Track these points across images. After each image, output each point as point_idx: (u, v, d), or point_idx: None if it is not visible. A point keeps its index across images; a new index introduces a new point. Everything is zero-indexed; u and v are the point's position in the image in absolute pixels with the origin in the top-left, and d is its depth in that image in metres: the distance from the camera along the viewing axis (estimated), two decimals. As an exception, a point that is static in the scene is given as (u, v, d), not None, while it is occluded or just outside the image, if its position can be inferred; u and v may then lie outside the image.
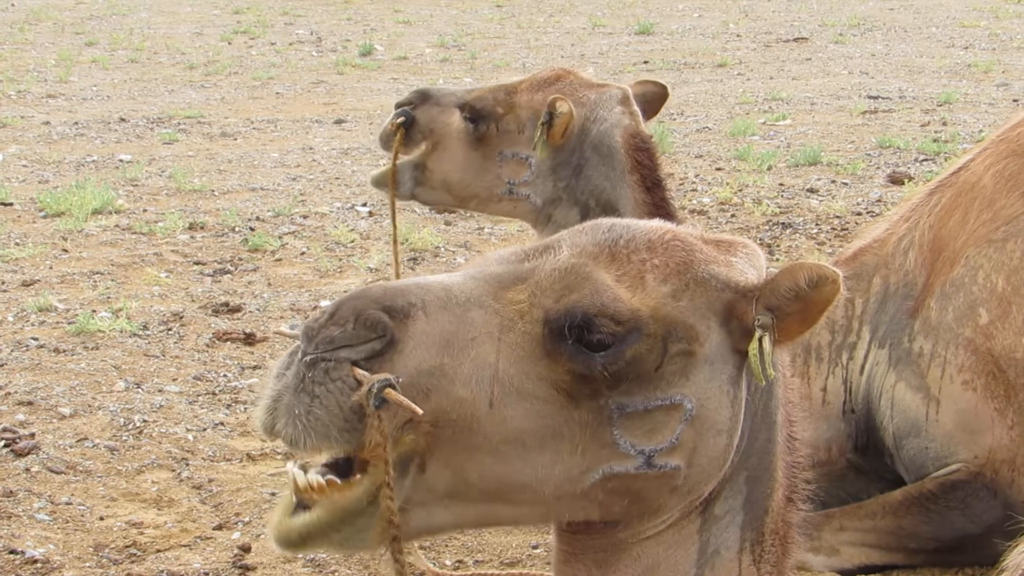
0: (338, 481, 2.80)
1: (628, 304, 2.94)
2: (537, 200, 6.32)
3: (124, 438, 7.47)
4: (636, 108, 6.44)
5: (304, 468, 2.85)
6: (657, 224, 3.14)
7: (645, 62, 16.97)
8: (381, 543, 2.87)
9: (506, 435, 2.93)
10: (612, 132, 6.34)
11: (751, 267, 3.07)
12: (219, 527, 6.53)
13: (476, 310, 2.94)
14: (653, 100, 6.58)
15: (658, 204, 6.29)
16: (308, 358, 2.79)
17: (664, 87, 6.68)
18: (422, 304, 2.90)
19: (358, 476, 2.82)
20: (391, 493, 2.80)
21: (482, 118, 6.38)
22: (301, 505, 2.82)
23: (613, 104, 6.38)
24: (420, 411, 2.75)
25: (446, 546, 6.29)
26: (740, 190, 12.14)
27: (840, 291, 2.96)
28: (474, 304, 2.95)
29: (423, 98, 6.50)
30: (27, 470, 7.09)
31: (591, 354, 2.90)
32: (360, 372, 2.76)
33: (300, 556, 6.22)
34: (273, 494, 6.67)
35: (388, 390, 2.71)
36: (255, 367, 8.33)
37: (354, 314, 2.82)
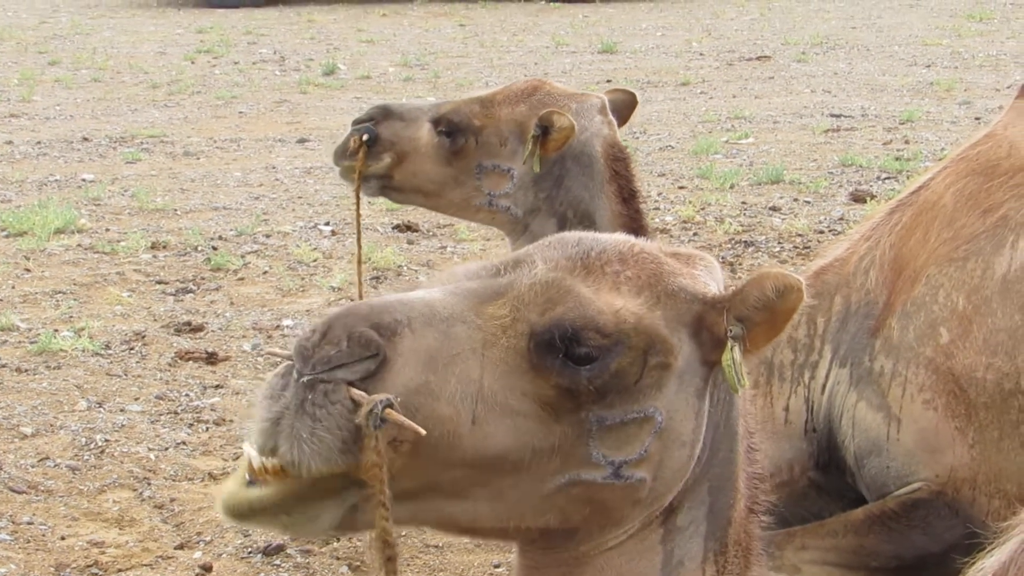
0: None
1: (608, 319, 2.96)
2: (518, 211, 6.35)
3: (86, 458, 7.48)
4: (612, 118, 6.51)
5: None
6: (622, 236, 3.16)
7: (608, 80, 17.00)
8: (327, 533, 2.95)
9: (486, 452, 2.94)
10: (592, 142, 6.38)
11: (712, 280, 3.10)
12: (180, 546, 6.54)
13: (459, 325, 2.95)
14: (623, 108, 6.63)
15: (633, 215, 6.38)
16: (306, 379, 2.77)
17: (633, 94, 6.73)
18: (407, 321, 2.90)
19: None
20: (387, 514, 2.81)
21: (460, 131, 6.39)
22: (252, 483, 2.80)
23: (593, 114, 6.43)
24: (423, 431, 2.76)
25: (409, 566, 6.31)
26: (703, 208, 12.18)
27: (804, 299, 3.01)
28: (457, 320, 2.96)
29: (385, 114, 6.52)
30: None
31: (577, 368, 2.92)
32: (357, 393, 2.75)
33: (251, 572, 6.24)
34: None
35: (388, 410, 2.71)
36: (217, 386, 8.35)
37: (346, 332, 2.82)
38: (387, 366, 2.82)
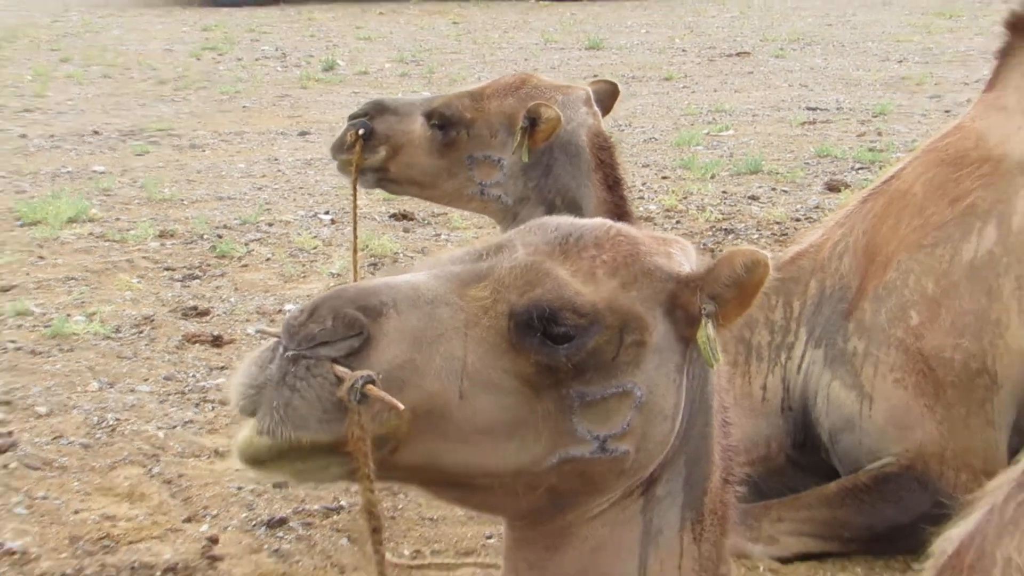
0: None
1: (586, 299, 2.98)
2: (508, 200, 6.38)
3: (98, 436, 7.47)
4: (596, 108, 6.54)
5: None
6: (600, 221, 3.18)
7: (595, 75, 16.95)
8: (336, 481, 2.96)
9: (476, 425, 2.96)
10: (579, 132, 6.41)
11: (686, 261, 3.12)
12: (188, 520, 6.53)
13: (443, 307, 2.97)
14: (606, 98, 6.67)
15: (617, 202, 6.40)
16: (290, 354, 2.82)
17: (615, 84, 6.79)
18: (393, 303, 2.92)
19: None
20: (371, 486, 2.84)
21: (451, 124, 6.43)
22: (263, 431, 2.82)
23: (579, 105, 6.46)
24: (401, 406, 2.77)
25: (405, 537, 6.30)
26: (685, 197, 12.17)
27: (770, 272, 3.03)
28: (440, 301, 2.98)
29: (379, 109, 6.55)
30: (5, 467, 7.07)
31: (555, 346, 2.94)
32: (340, 369, 2.79)
33: (265, 546, 6.24)
34: (240, 488, 6.68)
35: (369, 386, 2.74)
36: (222, 368, 8.34)
37: (332, 313, 2.85)
38: (372, 344, 2.85)
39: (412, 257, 10.11)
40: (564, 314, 2.96)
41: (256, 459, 2.87)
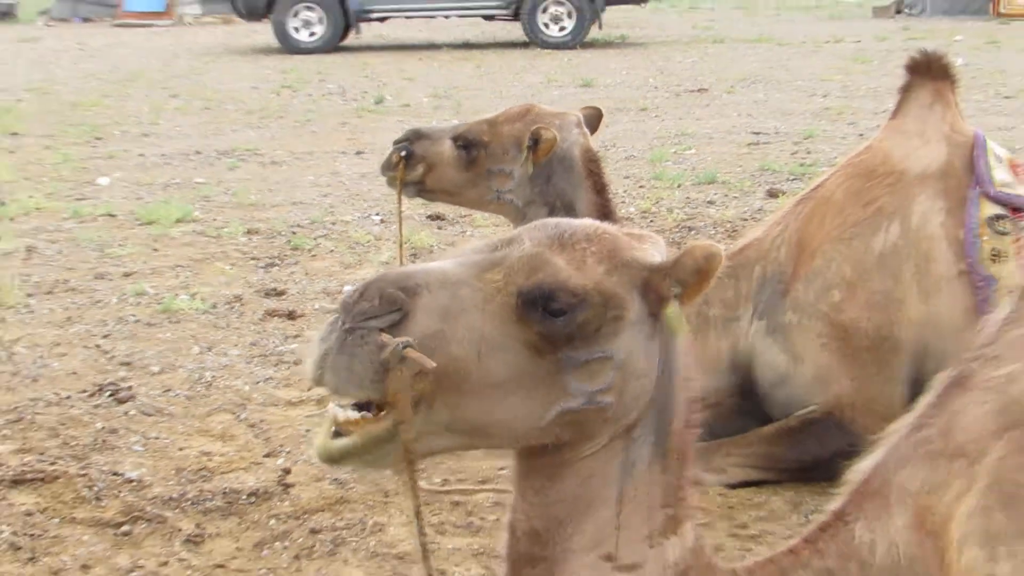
0: (370, 416, 2.89)
1: (577, 282, 3.00)
2: (518, 203, 6.43)
3: (198, 389, 7.49)
4: (586, 130, 6.58)
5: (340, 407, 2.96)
6: (589, 221, 3.20)
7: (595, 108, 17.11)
8: (398, 465, 2.97)
9: (490, 381, 2.99)
10: (572, 149, 6.46)
11: (657, 252, 3.13)
12: (267, 455, 6.55)
13: (465, 288, 3.00)
14: (594, 120, 6.72)
15: (604, 204, 6.45)
16: (346, 326, 2.88)
17: (600, 110, 6.88)
18: (427, 284, 2.97)
19: (383, 413, 2.90)
20: (409, 428, 2.88)
21: (473, 145, 6.50)
22: (338, 434, 2.91)
23: (572, 127, 6.51)
24: (433, 364, 2.84)
25: (435, 469, 6.30)
26: (656, 202, 12.15)
27: (722, 261, 3.06)
28: (463, 283, 3.00)
29: (417, 135, 6.62)
30: (125, 413, 7.11)
31: (553, 319, 2.97)
32: (385, 337, 2.84)
33: (327, 476, 6.24)
34: (308, 431, 6.69)
35: (407, 350, 2.81)
36: (295, 336, 8.37)
37: (378, 293, 2.91)
38: (409, 317, 2.91)
39: (444, 249, 10.13)
40: (560, 294, 2.98)
41: (331, 459, 2.98)
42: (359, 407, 2.94)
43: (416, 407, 2.92)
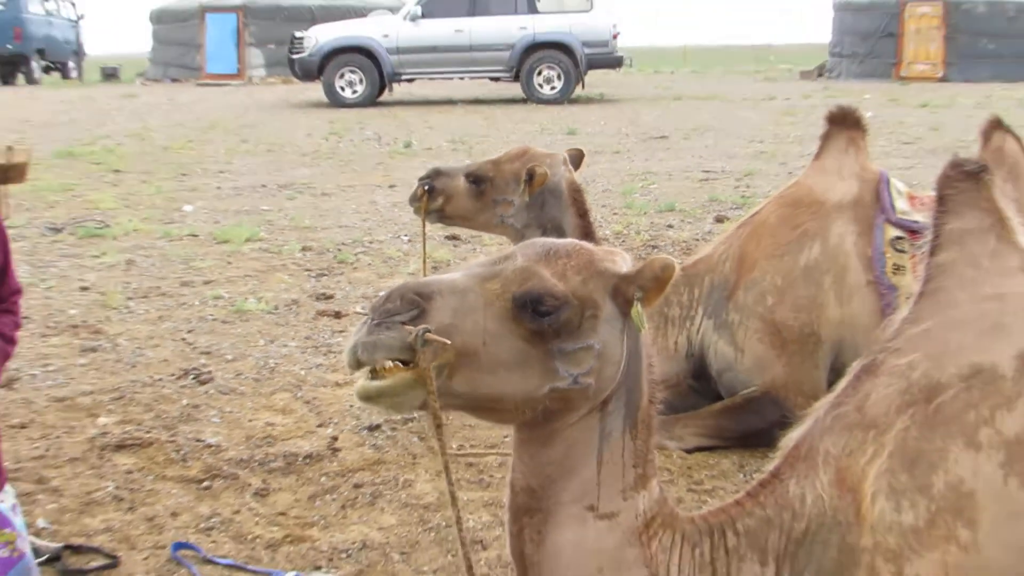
0: (401, 366, 2.90)
1: (560, 289, 3.00)
2: (518, 225, 6.43)
3: (264, 373, 7.49)
4: (571, 167, 6.59)
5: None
6: (570, 240, 3.22)
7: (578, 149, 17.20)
8: (419, 410, 3.02)
9: (494, 363, 3.00)
10: (560, 182, 6.45)
11: (624, 263, 3.14)
12: (319, 425, 6.54)
13: (471, 294, 3.00)
14: (576, 160, 6.70)
15: (586, 226, 6.44)
16: (374, 323, 2.91)
17: (582, 152, 6.87)
18: (439, 291, 2.97)
19: (410, 366, 2.91)
20: (435, 399, 2.91)
21: (481, 180, 6.49)
22: (375, 378, 2.93)
23: (559, 165, 6.51)
24: (449, 342, 2.89)
25: (453, 437, 6.30)
26: (627, 226, 12.15)
27: (676, 271, 3.10)
28: (469, 291, 3.01)
29: (437, 173, 6.62)
30: (206, 392, 7.10)
31: (540, 318, 2.98)
32: (408, 326, 2.88)
33: (367, 442, 6.24)
34: (351, 406, 6.70)
35: (428, 333, 2.86)
36: (341, 331, 8.38)
37: (400, 297, 2.93)
38: (425, 314, 2.94)
39: (458, 262, 10.14)
40: (546, 298, 2.99)
41: (369, 398, 2.97)
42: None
43: (440, 374, 2.94)
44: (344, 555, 5.02)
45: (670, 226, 12.24)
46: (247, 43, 38.12)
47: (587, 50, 27.88)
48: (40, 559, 4.89)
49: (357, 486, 5.74)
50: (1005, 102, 25.89)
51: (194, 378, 7.37)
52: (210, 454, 6.13)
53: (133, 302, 9.36)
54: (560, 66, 27.94)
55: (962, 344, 3.36)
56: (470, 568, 3.31)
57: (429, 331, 2.89)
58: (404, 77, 28.41)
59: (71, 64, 43.77)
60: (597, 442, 3.17)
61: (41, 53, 41.25)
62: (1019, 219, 3.51)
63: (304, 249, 11.38)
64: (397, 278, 9.85)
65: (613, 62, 28.90)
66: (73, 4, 44.55)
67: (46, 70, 41.87)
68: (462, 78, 29.20)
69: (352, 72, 27.94)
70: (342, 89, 27.92)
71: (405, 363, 2.96)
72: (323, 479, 5.85)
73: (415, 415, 6.36)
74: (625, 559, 3.21)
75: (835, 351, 6.19)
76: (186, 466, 6.01)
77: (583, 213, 6.51)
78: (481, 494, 5.62)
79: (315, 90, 29.36)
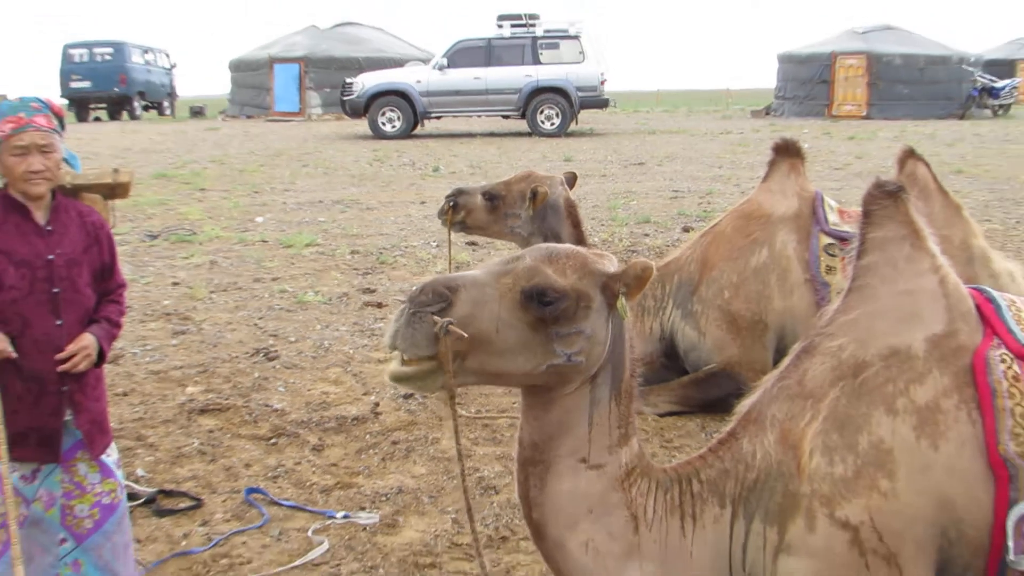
0: (424, 357, 2.91)
1: (560, 284, 2.99)
2: (524, 234, 6.44)
3: (320, 352, 7.48)
4: (566, 186, 6.57)
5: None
6: (568, 246, 3.21)
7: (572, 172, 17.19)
8: (439, 391, 3.00)
9: (504, 346, 2.99)
10: (558, 199, 6.45)
11: (611, 264, 3.13)
12: (364, 394, 6.55)
13: (488, 287, 3.00)
14: (571, 181, 6.69)
15: (579, 234, 6.43)
16: (411, 312, 2.91)
17: (576, 175, 6.86)
18: (463, 285, 2.97)
19: (432, 359, 2.92)
20: (451, 378, 2.91)
21: (494, 197, 6.50)
22: (404, 364, 2.94)
23: (558, 185, 6.51)
24: (466, 335, 2.89)
25: (473, 403, 6.30)
26: (612, 234, 12.12)
27: (654, 273, 3.09)
28: (487, 285, 3.01)
29: (460, 192, 6.62)
30: (273, 367, 7.10)
31: (543, 307, 2.97)
32: (436, 318, 2.89)
33: (403, 408, 6.23)
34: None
35: (451, 326, 2.86)
36: (382, 318, 8.39)
37: (432, 290, 2.93)
38: (452, 305, 2.95)
39: (477, 263, 10.14)
40: (549, 291, 2.99)
41: (399, 380, 2.99)
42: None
43: (454, 360, 2.93)
44: (384, 498, 5.03)
45: (646, 235, 12.21)
46: (307, 87, 38.09)
47: (580, 94, 27.85)
48: (139, 502, 4.90)
49: (394, 443, 5.74)
50: (916, 135, 25.84)
51: (264, 356, 7.37)
52: (276, 417, 6.14)
53: (215, 294, 9.37)
54: (558, 106, 27.91)
55: (883, 330, 3.35)
56: (470, 509, 3.31)
57: (452, 323, 2.90)
58: (433, 115, 28.40)
59: (165, 103, 43.84)
60: (588, 408, 3.16)
61: (141, 95, 41.39)
62: (929, 230, 3.50)
63: (352, 252, 11.36)
64: (427, 276, 9.84)
65: (601, 103, 28.82)
66: (167, 55, 44.64)
67: (145, 108, 41.96)
68: (479, 116, 29.15)
69: (391, 111, 27.94)
70: (383, 124, 27.91)
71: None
72: (367, 437, 5.85)
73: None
74: (610, 501, 3.21)
75: (779, 336, 6.17)
76: (257, 426, 6.01)
77: (577, 224, 6.50)
78: (494, 449, 5.62)
79: (361, 125, 29.36)
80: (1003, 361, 3.29)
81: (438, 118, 29.03)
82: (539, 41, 28.13)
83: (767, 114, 39.45)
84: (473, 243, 11.50)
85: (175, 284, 9.78)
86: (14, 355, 3.36)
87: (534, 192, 6.38)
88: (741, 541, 3.30)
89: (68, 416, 3.52)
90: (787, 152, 6.55)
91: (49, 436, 3.49)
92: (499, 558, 4.40)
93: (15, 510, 3.42)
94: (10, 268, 3.41)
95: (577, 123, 29.40)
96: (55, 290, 3.47)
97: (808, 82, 37.62)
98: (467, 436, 5.78)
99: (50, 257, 3.47)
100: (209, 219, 13.75)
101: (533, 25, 28.32)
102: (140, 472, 5.33)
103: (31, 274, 3.44)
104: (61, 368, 3.45)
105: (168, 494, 5.06)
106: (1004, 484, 3.20)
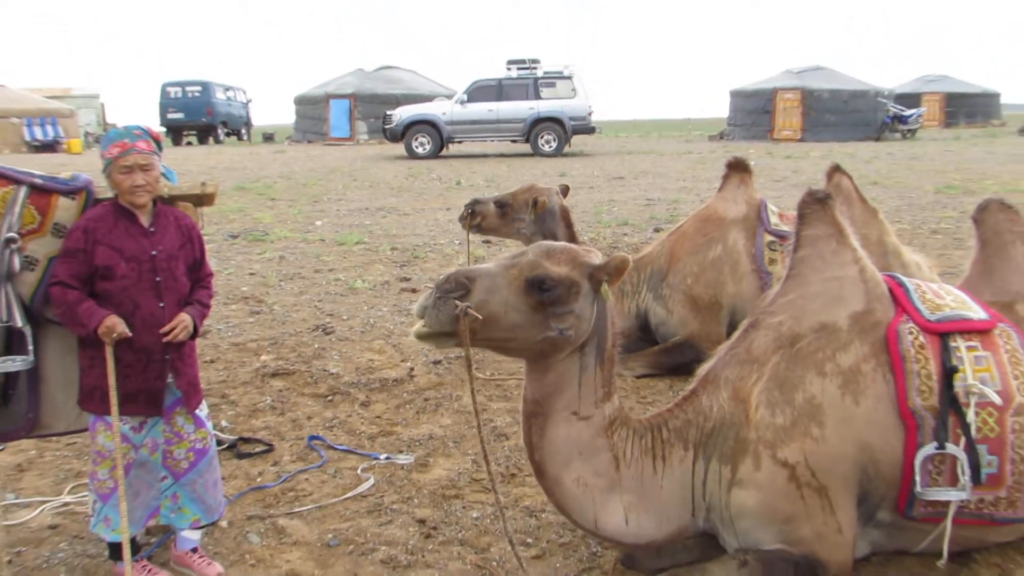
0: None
1: (556, 274, 2.98)
2: (528, 234, 6.38)
3: (367, 327, 7.44)
4: (561, 196, 6.51)
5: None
6: (563, 243, 3.19)
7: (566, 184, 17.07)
8: (450, 349, 3.12)
9: (509, 323, 2.98)
10: (555, 206, 6.40)
11: (597, 258, 3.11)
12: (402, 360, 6.51)
13: (499, 278, 2.99)
14: (565, 192, 6.64)
15: (572, 235, 6.38)
16: (436, 296, 2.91)
17: (568, 186, 6.79)
18: (479, 275, 2.96)
19: (450, 332, 2.92)
20: (468, 348, 2.92)
21: (504, 206, 6.45)
22: (425, 327, 2.95)
23: (554, 195, 6.46)
24: (480, 317, 2.89)
25: (488, 368, 6.28)
26: (598, 234, 12.01)
27: (631, 264, 3.08)
28: (497, 275, 2.99)
29: (476, 201, 6.57)
30: (330, 339, 7.07)
31: (543, 293, 2.96)
32: (457, 303, 2.88)
33: (433, 372, 6.21)
34: (423, 349, 6.67)
35: (469, 309, 2.86)
36: (414, 301, 8.35)
37: (454, 279, 2.93)
38: (470, 292, 2.94)
39: (491, 257, 10.11)
40: (547, 280, 2.98)
41: (421, 337, 2.98)
42: None
43: (472, 335, 2.93)
44: (417, 443, 5.03)
45: (625, 234, 12.12)
46: (356, 118, 37.99)
47: (572, 122, 27.75)
48: (223, 447, 4.91)
49: (426, 399, 5.73)
50: (841, 155, 25.66)
51: (322, 330, 7.35)
52: (332, 379, 6.13)
53: (283, 282, 9.34)
54: (555, 132, 27.81)
55: (814, 309, 3.34)
56: (485, 453, 3.32)
57: (470, 307, 2.90)
58: (455, 140, 28.33)
59: (243, 131, 43.77)
60: (578, 371, 3.15)
61: (224, 124, 41.35)
62: (851, 229, 3.49)
63: (392, 249, 11.30)
64: (451, 267, 9.81)
65: (589, 130, 28.71)
66: (244, 92, 44.60)
67: (227, 135, 41.91)
68: (492, 140, 29.03)
69: (423, 136, 27.88)
70: (416, 147, 27.84)
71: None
72: (404, 395, 5.84)
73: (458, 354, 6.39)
74: (596, 445, 3.21)
75: (731, 313, 6.13)
76: (316, 387, 6.00)
77: (570, 226, 6.45)
78: (505, 404, 5.61)
79: (399, 148, 29.27)
80: (911, 333, 3.29)
81: (460, 142, 28.93)
82: (539, 81, 28.04)
83: (721, 138, 39.25)
84: (487, 241, 11.44)
85: (251, 274, 9.76)
86: (130, 335, 3.39)
87: (535, 201, 6.35)
88: (701, 478, 3.30)
89: (169, 379, 3.55)
90: (737, 168, 6.52)
91: (154, 395, 3.53)
92: (509, 491, 4.40)
93: (121, 456, 3.47)
94: (122, 262, 3.44)
95: (570, 146, 29.26)
96: (157, 279, 3.50)
97: (754, 112, 37.45)
98: (483, 394, 5.77)
99: (153, 253, 3.50)
100: (278, 222, 13.73)
101: (535, 68, 28.22)
102: (224, 423, 5.34)
103: (138, 267, 3.47)
104: (164, 340, 3.47)
105: (246, 441, 5.06)
106: (912, 432, 3.19)
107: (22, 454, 4.91)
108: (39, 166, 5.13)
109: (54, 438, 4.84)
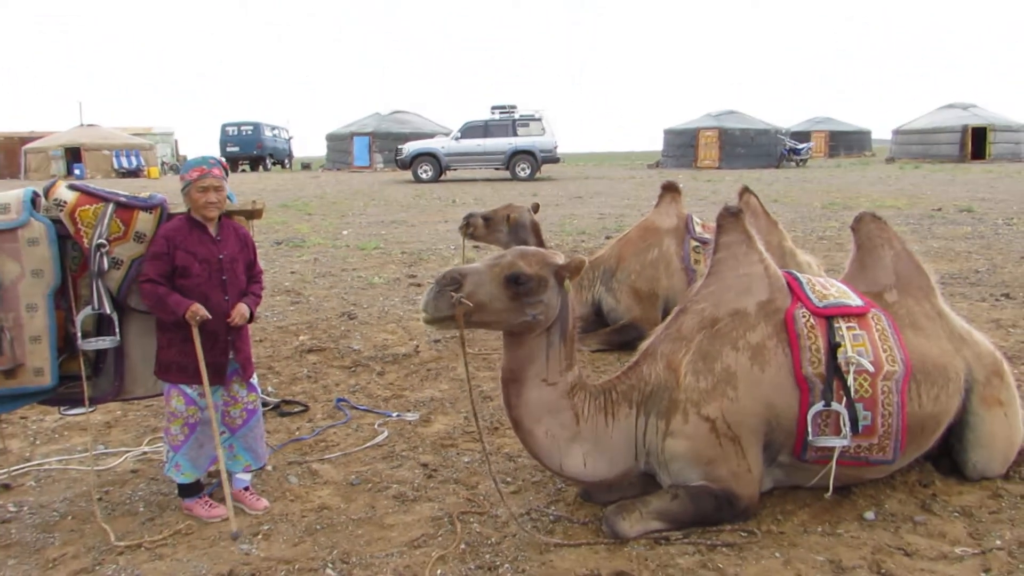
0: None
1: (528, 271, 2.94)
2: (505, 241, 6.31)
3: (382, 314, 7.35)
4: (532, 211, 6.46)
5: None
6: (533, 247, 3.16)
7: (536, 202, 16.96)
8: (450, 329, 2.93)
9: (493, 309, 2.93)
10: (525, 220, 6.36)
11: (561, 258, 3.09)
12: (409, 340, 6.44)
13: (484, 274, 2.94)
14: (536, 208, 6.60)
15: (540, 242, 6.35)
16: (436, 290, 2.86)
17: (538, 204, 6.73)
18: (469, 273, 2.92)
19: (448, 317, 2.87)
20: (462, 330, 2.87)
21: (488, 219, 6.39)
22: (428, 315, 2.89)
23: (525, 211, 6.41)
24: (472, 305, 2.83)
25: (476, 345, 6.24)
26: (562, 240, 11.95)
27: (587, 264, 3.07)
28: (483, 272, 2.95)
29: (469, 216, 6.50)
30: (354, 323, 6.98)
31: (518, 287, 2.92)
32: (452, 294, 2.83)
33: (434, 348, 6.16)
34: (427, 331, 6.61)
35: (462, 299, 2.81)
36: (420, 293, 8.24)
37: (451, 275, 2.88)
38: (463, 286, 2.89)
39: (478, 258, 10.03)
40: (522, 276, 2.94)
41: (427, 322, 2.93)
42: None
43: (464, 319, 2.88)
44: (422, 404, 4.99)
45: (583, 241, 12.05)
46: (374, 151, 37.84)
47: (542, 154, 27.77)
48: (269, 407, 4.86)
49: (428, 370, 5.67)
50: (749, 179, 25.72)
51: (347, 316, 7.26)
52: (355, 354, 6.06)
53: (317, 279, 9.22)
54: (529, 162, 27.79)
55: (729, 298, 3.33)
56: (475, 411, 3.28)
57: (463, 297, 2.85)
58: (452, 168, 28.26)
59: (286, 161, 43.49)
60: (546, 347, 3.12)
61: (271, 156, 41.10)
62: (758, 236, 3.49)
63: (402, 252, 11.18)
64: (449, 267, 9.73)
65: (555, 160, 28.68)
66: (287, 130, 44.32)
67: (273, 164, 41.62)
68: (481, 168, 28.95)
69: (426, 165, 27.78)
70: (421, 174, 27.72)
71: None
72: (411, 366, 5.77)
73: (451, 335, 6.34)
74: (561, 405, 3.18)
75: (665, 302, 6.10)
76: (343, 360, 5.93)
77: (538, 234, 6.39)
78: (490, 373, 5.55)
79: (407, 175, 29.13)
80: (804, 316, 3.30)
81: (455, 170, 28.83)
82: (516, 122, 28.06)
83: (657, 166, 39.29)
84: (477, 246, 11.32)
85: (292, 272, 9.64)
86: (211, 317, 3.41)
87: (508, 216, 6.30)
88: (643, 430, 3.29)
89: (231, 355, 3.54)
90: (670, 189, 6.51)
91: (220, 367, 3.53)
92: (493, 441, 4.37)
93: (202, 411, 3.50)
94: (196, 263, 3.45)
95: (540, 172, 29.21)
96: (224, 277, 3.50)
97: (682, 146, 37.59)
98: (473, 365, 5.72)
99: (220, 256, 3.50)
100: (313, 232, 13.59)
101: (513, 111, 28.27)
102: (270, 389, 5.27)
103: (208, 267, 3.47)
104: (229, 323, 3.49)
105: (287, 403, 5.00)
106: (806, 393, 3.20)
107: (109, 414, 4.84)
108: (124, 188, 5.05)
109: (135, 401, 4.80)
